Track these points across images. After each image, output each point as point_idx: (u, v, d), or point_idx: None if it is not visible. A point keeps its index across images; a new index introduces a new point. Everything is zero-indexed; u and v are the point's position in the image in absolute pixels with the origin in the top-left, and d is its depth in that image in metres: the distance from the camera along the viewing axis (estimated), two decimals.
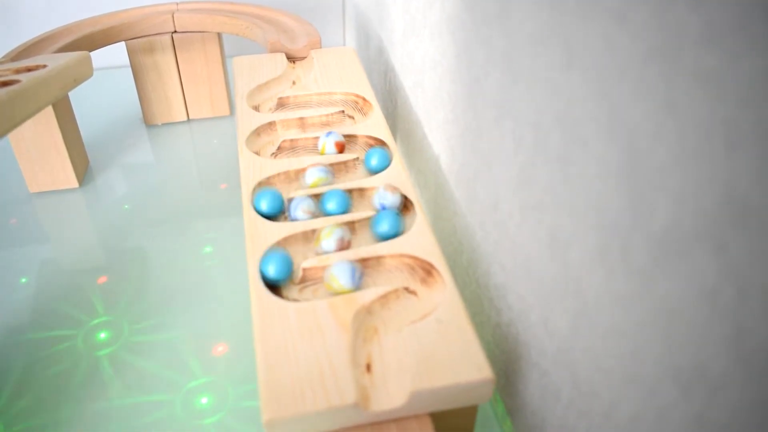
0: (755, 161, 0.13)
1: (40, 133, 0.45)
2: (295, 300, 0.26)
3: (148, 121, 0.57)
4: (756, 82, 0.13)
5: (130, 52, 0.52)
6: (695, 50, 0.15)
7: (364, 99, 0.39)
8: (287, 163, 0.33)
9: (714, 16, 0.14)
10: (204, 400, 0.32)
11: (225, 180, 0.49)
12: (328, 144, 0.34)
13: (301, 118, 0.37)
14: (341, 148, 0.34)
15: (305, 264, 0.27)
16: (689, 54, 0.15)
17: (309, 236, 0.29)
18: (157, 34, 0.52)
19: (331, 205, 0.30)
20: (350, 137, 0.36)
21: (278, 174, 0.32)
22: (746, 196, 0.14)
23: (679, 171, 0.16)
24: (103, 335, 0.36)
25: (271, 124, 0.37)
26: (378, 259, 0.27)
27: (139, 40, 0.52)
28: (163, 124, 0.57)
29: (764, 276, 0.14)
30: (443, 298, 0.25)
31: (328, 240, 0.27)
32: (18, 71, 0.38)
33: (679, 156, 0.16)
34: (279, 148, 0.35)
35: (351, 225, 0.29)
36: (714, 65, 0.14)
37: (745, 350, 0.14)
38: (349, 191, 0.31)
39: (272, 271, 0.26)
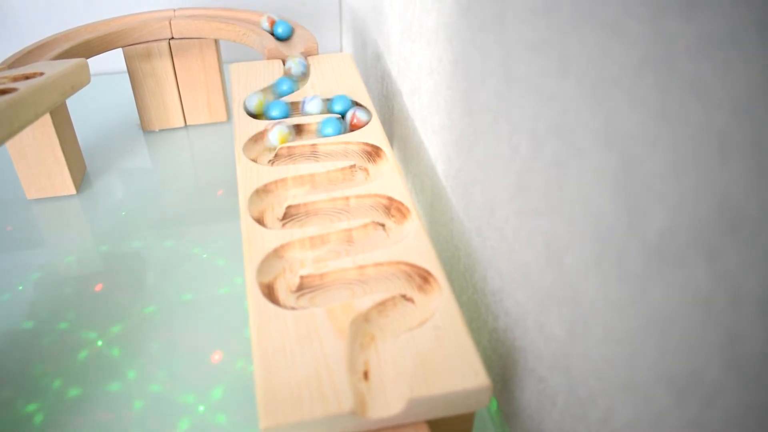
0: (749, 170, 0.13)
1: (37, 140, 0.45)
2: (292, 307, 0.26)
3: (145, 127, 0.57)
4: (749, 93, 0.13)
5: (128, 59, 0.53)
6: (689, 60, 0.15)
7: (360, 105, 0.39)
8: (284, 170, 0.33)
9: (708, 27, 0.14)
10: (201, 408, 0.32)
11: (222, 186, 0.49)
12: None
13: (298, 125, 0.37)
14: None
15: (302, 272, 0.27)
16: (683, 64, 0.15)
17: (306, 243, 0.29)
18: (154, 40, 0.52)
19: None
20: (346, 144, 0.36)
21: (275, 181, 0.32)
22: (740, 204, 0.14)
23: (674, 179, 0.16)
24: (99, 342, 0.36)
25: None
26: (375, 266, 0.27)
27: (136, 46, 0.52)
28: (161, 131, 0.57)
29: (757, 284, 0.14)
30: (440, 304, 0.25)
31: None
32: (15, 79, 0.38)
33: (674, 164, 0.16)
34: (276, 155, 0.35)
35: (348, 233, 0.29)
36: (708, 75, 0.14)
37: (738, 357, 0.15)
38: (347, 199, 0.31)
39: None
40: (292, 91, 0.41)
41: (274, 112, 0.38)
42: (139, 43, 0.52)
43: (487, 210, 0.30)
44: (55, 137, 0.45)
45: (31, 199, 0.47)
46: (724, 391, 0.15)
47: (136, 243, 0.43)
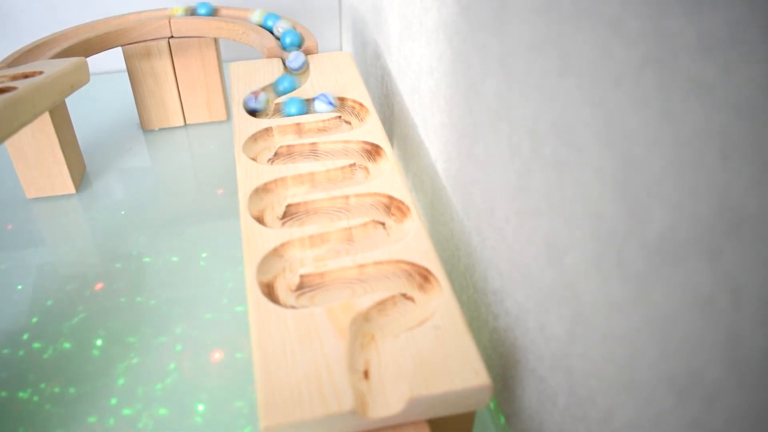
0: (750, 170, 0.13)
1: (37, 139, 0.44)
2: (292, 306, 0.26)
3: (145, 126, 0.57)
4: (751, 93, 0.13)
5: (127, 57, 0.53)
6: (691, 59, 0.15)
7: (360, 104, 0.39)
8: (284, 169, 0.33)
9: (709, 26, 0.14)
10: (201, 407, 0.32)
11: (222, 185, 0.49)
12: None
13: (298, 124, 0.37)
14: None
15: (302, 271, 0.27)
16: (685, 63, 0.15)
17: (306, 242, 0.29)
18: (153, 39, 0.52)
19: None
20: (346, 143, 0.36)
21: (275, 180, 0.32)
22: (741, 204, 0.14)
23: (675, 179, 0.16)
24: (99, 342, 0.36)
25: (267, 130, 0.37)
26: (375, 265, 0.27)
27: (135, 45, 0.52)
28: (160, 129, 0.57)
29: (758, 284, 0.14)
30: (440, 304, 0.25)
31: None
32: (15, 78, 0.38)
33: (675, 164, 0.16)
34: (276, 153, 0.35)
35: (348, 231, 0.29)
36: (709, 75, 0.14)
37: (739, 357, 0.15)
38: (347, 197, 0.31)
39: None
40: (294, 89, 0.42)
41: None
42: (139, 41, 0.52)
43: (487, 210, 0.30)
44: (54, 136, 0.45)
45: (31, 198, 0.47)
46: (725, 391, 0.15)
47: (136, 242, 0.43)
